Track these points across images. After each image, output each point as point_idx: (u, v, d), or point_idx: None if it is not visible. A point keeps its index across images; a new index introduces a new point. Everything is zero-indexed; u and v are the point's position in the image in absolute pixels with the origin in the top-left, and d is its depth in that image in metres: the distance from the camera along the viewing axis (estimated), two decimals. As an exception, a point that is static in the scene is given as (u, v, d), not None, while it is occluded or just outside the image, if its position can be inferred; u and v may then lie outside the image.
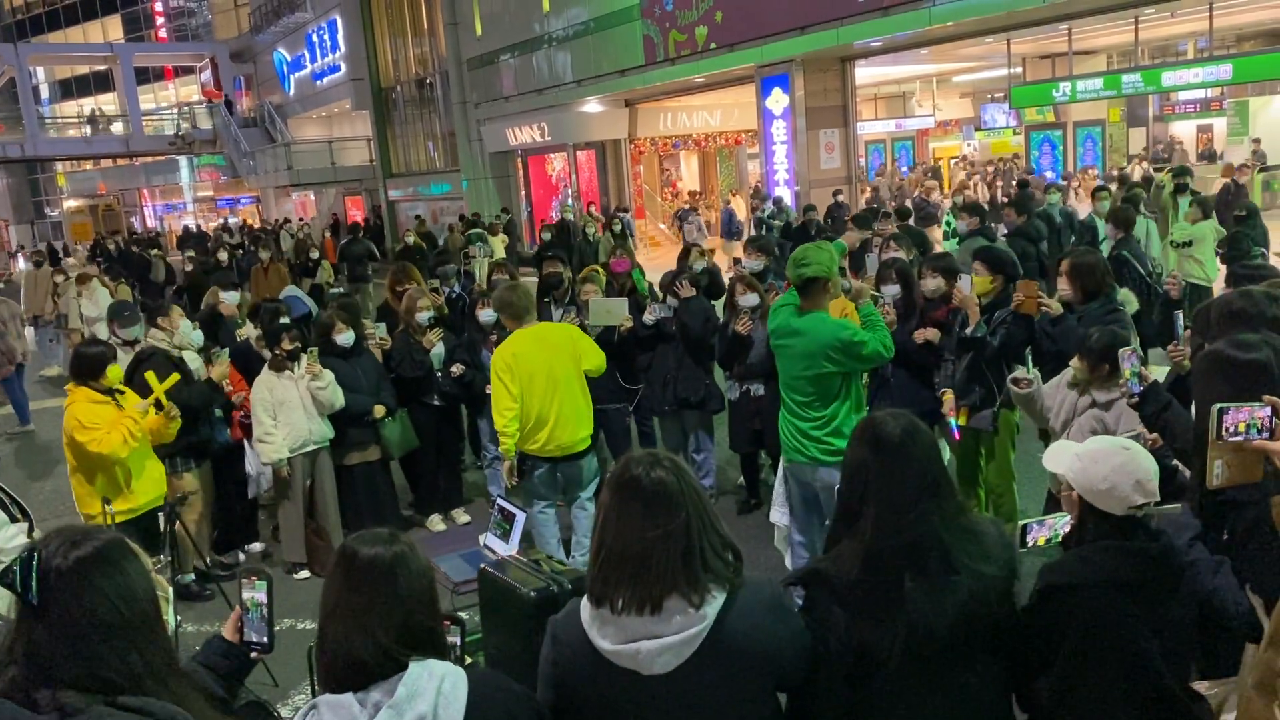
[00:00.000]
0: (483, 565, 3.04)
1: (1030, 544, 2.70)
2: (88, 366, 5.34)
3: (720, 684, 2.07)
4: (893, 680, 2.21)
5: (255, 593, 2.27)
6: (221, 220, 40.53)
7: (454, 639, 2.22)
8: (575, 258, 14.56)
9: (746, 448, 6.72)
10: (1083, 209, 13.01)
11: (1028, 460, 5.94)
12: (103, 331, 11.02)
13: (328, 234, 26.44)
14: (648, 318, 6.61)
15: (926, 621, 2.17)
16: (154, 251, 21.89)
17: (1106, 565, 2.30)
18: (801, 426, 4.72)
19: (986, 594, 2.24)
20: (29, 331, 13.69)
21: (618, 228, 16.08)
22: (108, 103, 41.88)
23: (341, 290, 14.85)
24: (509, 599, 2.82)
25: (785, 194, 17.65)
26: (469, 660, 2.38)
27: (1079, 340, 4.26)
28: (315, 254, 15.23)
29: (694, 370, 6.66)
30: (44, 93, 46.95)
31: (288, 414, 6.11)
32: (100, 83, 43.72)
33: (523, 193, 26.80)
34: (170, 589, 2.63)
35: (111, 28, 45.81)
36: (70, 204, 49.38)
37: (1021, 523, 2.73)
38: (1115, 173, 18.24)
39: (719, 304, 7.16)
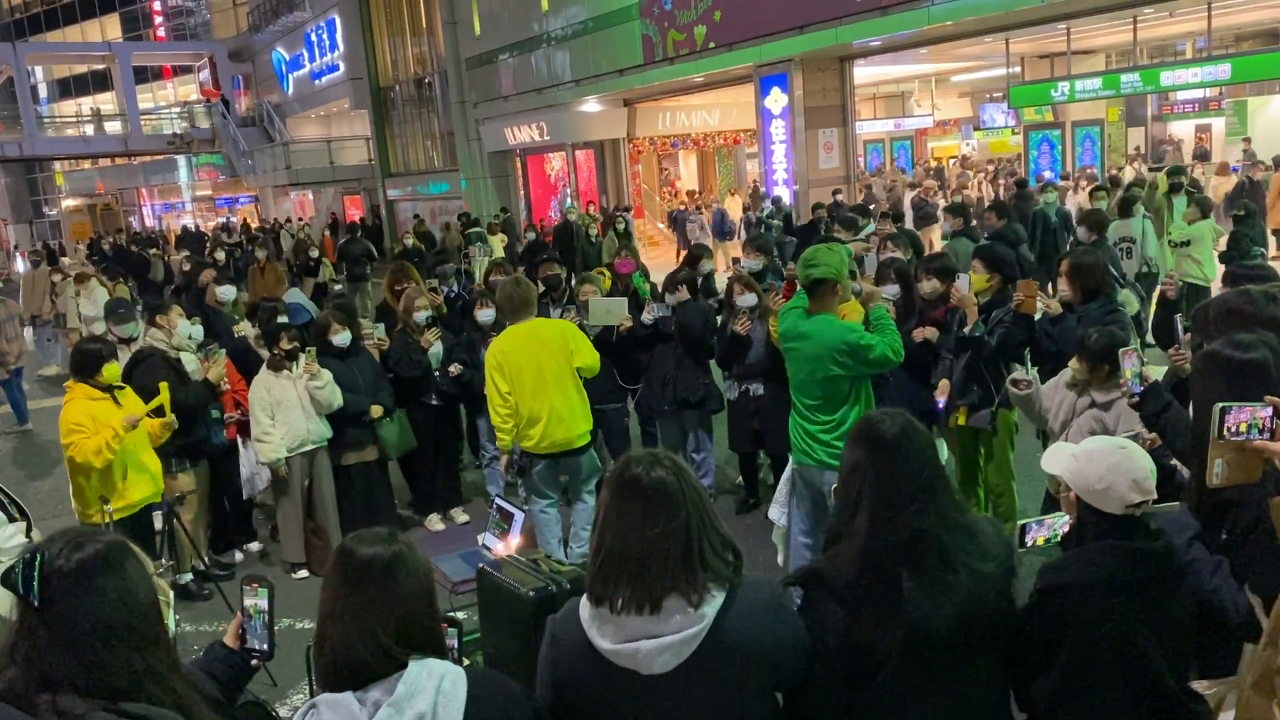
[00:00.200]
0: (481, 565, 3.03)
1: (1029, 544, 2.71)
2: (86, 363, 5.37)
3: (719, 684, 2.07)
4: (892, 680, 2.21)
5: (257, 600, 2.28)
6: (222, 220, 40.48)
7: (451, 641, 2.22)
8: (578, 259, 14.56)
9: (745, 447, 6.72)
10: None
11: (1027, 460, 5.94)
12: (102, 330, 11.05)
13: (327, 233, 26.41)
14: (646, 317, 6.61)
15: (925, 621, 2.17)
16: (152, 251, 21.91)
17: (1106, 565, 2.30)
18: (810, 429, 4.69)
19: (985, 592, 2.24)
20: (27, 331, 13.67)
21: (621, 227, 16.05)
22: (106, 102, 41.82)
23: (341, 290, 14.87)
24: (507, 599, 2.82)
25: (784, 193, 17.65)
26: (467, 661, 2.38)
27: (1079, 340, 4.26)
28: (315, 253, 15.22)
29: (693, 370, 6.66)
30: (42, 92, 46.87)
31: (286, 413, 6.10)
32: (98, 82, 43.66)
33: (521, 192, 26.79)
34: (171, 593, 2.63)
35: (110, 27, 45.75)
36: (68, 203, 49.31)
37: (1021, 522, 2.73)
38: (1113, 172, 18.25)
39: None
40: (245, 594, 2.31)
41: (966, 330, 5.24)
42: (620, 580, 2.04)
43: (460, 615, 2.41)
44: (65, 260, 16.55)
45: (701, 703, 2.07)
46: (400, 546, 2.00)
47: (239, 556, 6.80)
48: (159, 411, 5.54)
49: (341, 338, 6.40)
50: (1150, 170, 18.70)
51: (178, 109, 41.40)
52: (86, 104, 43.62)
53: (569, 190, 24.80)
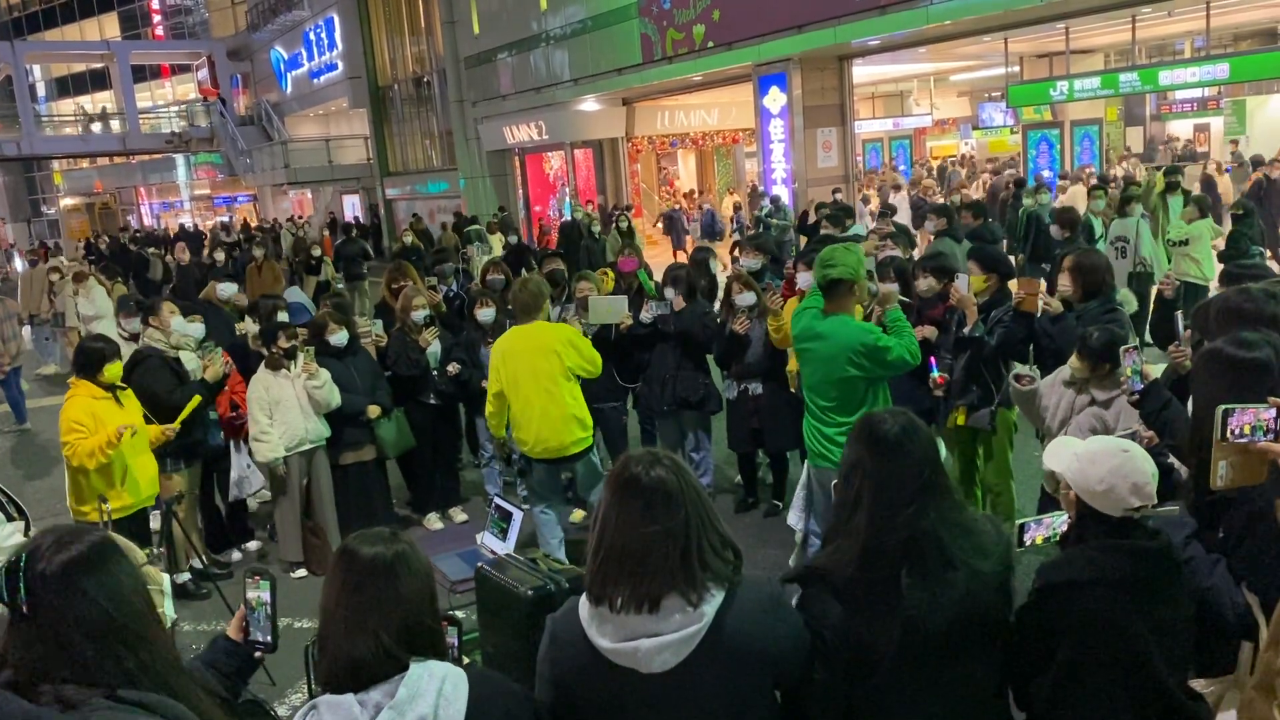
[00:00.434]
0: (480, 564, 3.03)
1: (1028, 542, 2.71)
2: (89, 361, 5.41)
3: (719, 682, 2.07)
4: (890, 677, 2.21)
5: (259, 592, 2.28)
6: (223, 219, 40.44)
7: (451, 639, 2.22)
8: (582, 257, 14.57)
9: (744, 447, 6.71)
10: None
11: (1025, 459, 5.95)
12: (100, 329, 11.04)
13: (325, 232, 26.39)
14: (644, 316, 6.60)
15: (924, 618, 2.17)
16: (151, 250, 21.88)
17: (1104, 564, 2.30)
18: (826, 431, 4.66)
19: (984, 591, 2.24)
20: (25, 330, 13.66)
21: (625, 226, 16.06)
22: (104, 101, 41.78)
23: (342, 289, 14.88)
24: (506, 598, 2.82)
25: (783, 193, 17.65)
26: (466, 660, 2.38)
27: (1079, 339, 4.25)
28: (318, 252, 15.22)
29: (693, 371, 6.64)
30: (41, 91, 46.81)
31: (284, 413, 6.10)
32: (97, 80, 43.61)
33: (520, 191, 26.78)
34: (165, 579, 2.63)
35: (108, 25, 45.68)
36: (67, 202, 49.24)
37: (1019, 521, 2.73)
38: (1101, 171, 18.27)
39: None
40: (248, 586, 2.32)
41: (966, 330, 5.23)
42: (620, 579, 2.04)
43: (459, 615, 2.41)
44: (58, 259, 16.49)
45: (701, 701, 2.07)
46: (402, 546, 2.00)
47: (237, 556, 6.79)
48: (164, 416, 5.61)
49: (338, 337, 6.40)
50: (1148, 170, 18.70)
51: (176, 108, 41.37)
52: (85, 103, 43.57)
53: (568, 189, 24.79)
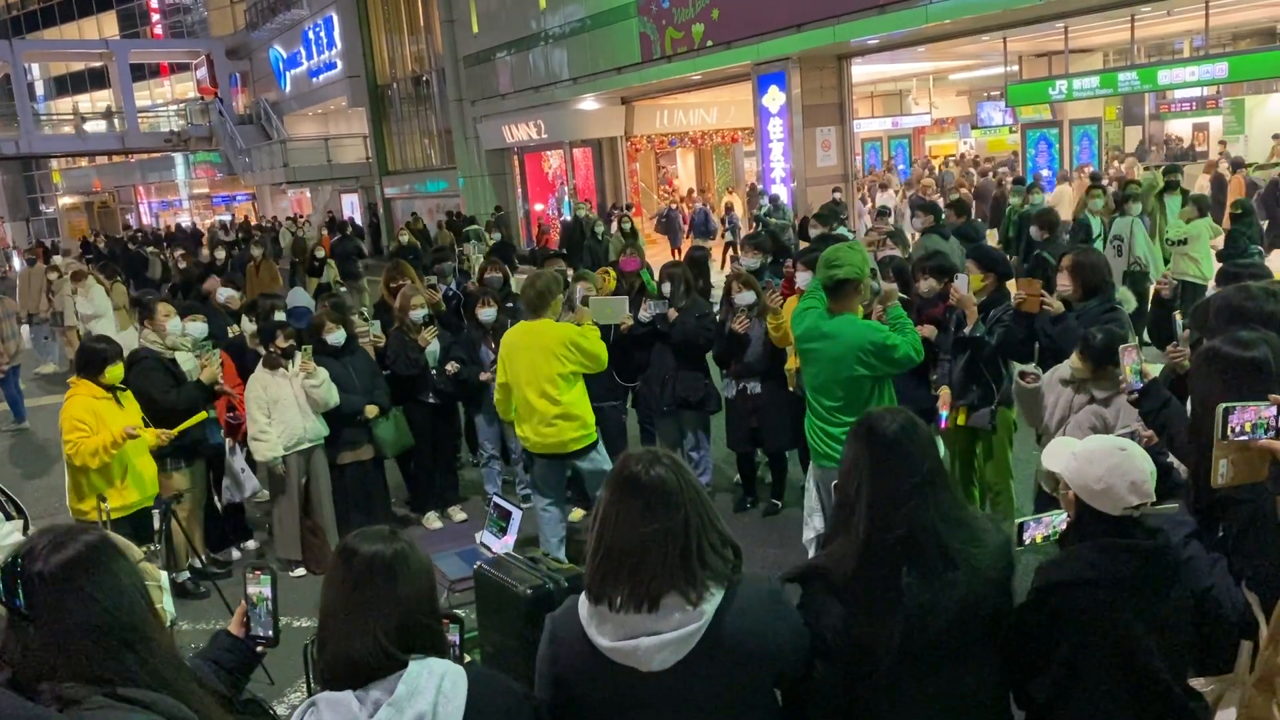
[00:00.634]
0: (479, 563, 3.03)
1: (1027, 541, 2.71)
2: (91, 362, 5.42)
3: (719, 681, 2.07)
4: (891, 676, 2.21)
5: (260, 587, 2.28)
6: (222, 217, 40.41)
7: (453, 637, 2.22)
8: (586, 258, 14.58)
9: (743, 446, 6.71)
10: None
11: (1025, 458, 5.95)
12: (99, 328, 11.04)
13: (324, 231, 26.39)
14: (643, 315, 6.59)
15: (924, 617, 2.18)
16: (150, 249, 21.88)
17: (1103, 563, 2.31)
18: (832, 431, 4.63)
19: (984, 589, 2.24)
20: (24, 329, 13.66)
21: (628, 225, 16.09)
22: (103, 99, 41.76)
23: (344, 289, 14.86)
24: (505, 597, 2.82)
25: (782, 192, 17.65)
26: (467, 658, 2.38)
27: (1082, 339, 4.25)
28: (321, 253, 15.20)
29: (692, 370, 6.64)
30: (39, 89, 46.76)
31: (282, 412, 6.10)
32: (96, 79, 43.57)
33: (519, 190, 26.77)
34: (163, 576, 2.63)
35: (107, 24, 45.63)
36: (65, 201, 49.20)
37: (1019, 520, 2.73)
38: (1109, 171, 18.28)
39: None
40: (248, 582, 2.32)
41: (966, 330, 5.23)
42: (619, 578, 2.04)
43: (460, 613, 2.41)
44: (56, 259, 16.49)
45: (701, 700, 2.07)
46: (402, 545, 2.00)
47: (236, 554, 6.79)
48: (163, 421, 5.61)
49: (336, 336, 6.39)
50: (1144, 169, 18.70)
51: (175, 107, 41.35)
52: (84, 101, 43.54)
53: (567, 188, 24.79)
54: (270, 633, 2.29)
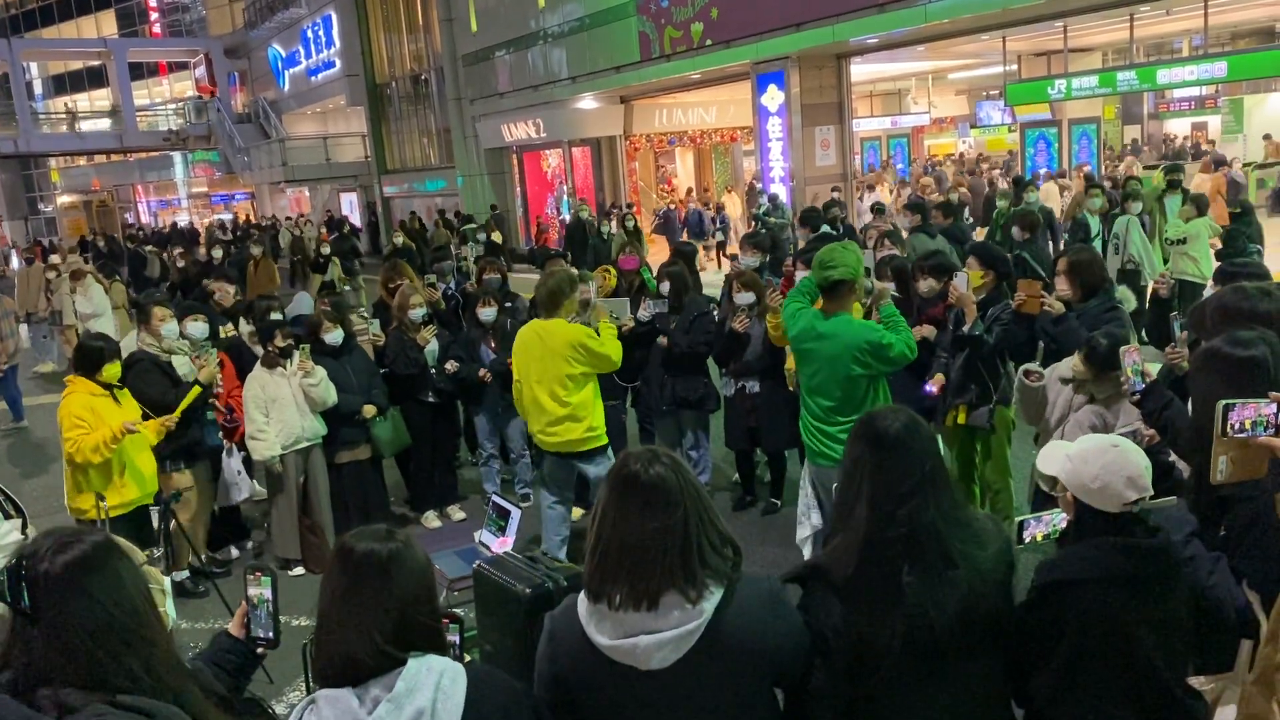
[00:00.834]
0: (478, 562, 3.03)
1: (1027, 540, 2.71)
2: (88, 360, 5.41)
3: (718, 680, 2.07)
4: (892, 676, 2.21)
5: (261, 589, 2.28)
6: (221, 216, 40.37)
7: (452, 637, 2.22)
8: (590, 257, 14.59)
9: (741, 445, 6.71)
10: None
11: (1024, 457, 5.95)
12: (98, 327, 11.02)
13: (323, 230, 26.38)
14: (643, 314, 6.58)
15: (926, 616, 2.17)
16: (149, 248, 21.86)
17: (1103, 561, 2.30)
18: (828, 430, 4.66)
19: (985, 588, 2.24)
20: (22, 328, 13.65)
21: (631, 224, 16.12)
22: (101, 98, 41.73)
23: (348, 288, 14.89)
24: (504, 596, 2.81)
25: (781, 191, 17.65)
26: (467, 657, 2.38)
27: (1085, 343, 4.24)
28: (327, 250, 15.20)
29: (691, 370, 6.63)
30: (37, 88, 46.72)
31: (280, 411, 6.09)
32: (94, 78, 43.54)
33: (518, 189, 26.76)
34: (166, 580, 2.63)
35: (105, 23, 45.59)
36: (64, 200, 49.16)
37: (1019, 519, 2.73)
38: (1108, 171, 18.29)
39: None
40: (249, 583, 2.31)
41: (965, 329, 5.23)
42: (618, 576, 2.04)
43: (460, 612, 2.40)
44: (54, 257, 16.49)
45: (700, 698, 2.07)
46: (399, 544, 1.99)
47: (235, 553, 6.78)
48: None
49: (333, 336, 6.39)
50: (1147, 169, 18.71)
51: (173, 105, 41.32)
52: (82, 100, 43.49)
53: (566, 188, 24.79)
54: (271, 634, 2.30)
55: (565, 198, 24.29)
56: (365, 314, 8.18)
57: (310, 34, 31.62)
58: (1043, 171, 18.64)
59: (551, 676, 2.16)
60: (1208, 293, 5.19)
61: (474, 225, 18.02)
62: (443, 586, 4.34)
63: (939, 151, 29.24)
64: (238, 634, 2.32)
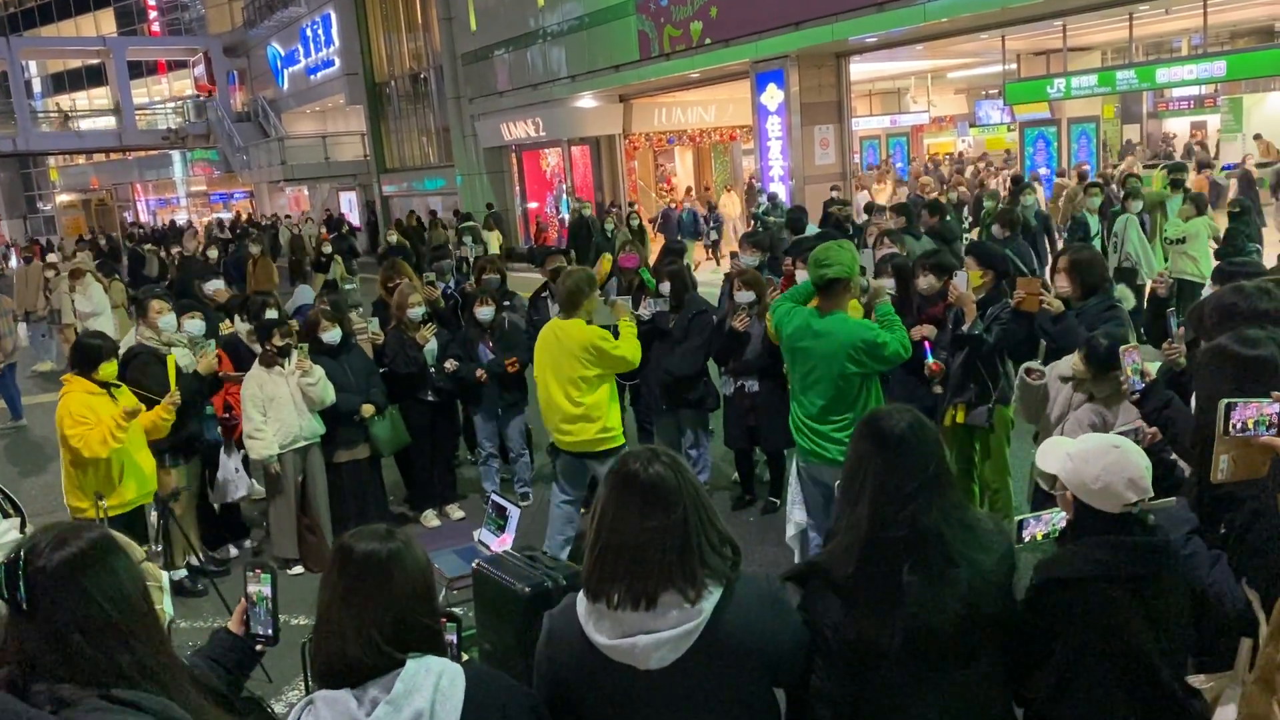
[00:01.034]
0: (477, 561, 3.03)
1: (1027, 539, 2.71)
2: (86, 358, 5.39)
3: (717, 679, 2.06)
4: (893, 676, 2.20)
5: (261, 586, 2.28)
6: (220, 215, 40.35)
7: (451, 636, 2.22)
8: (593, 256, 14.60)
9: (741, 444, 6.71)
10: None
11: (1023, 456, 5.95)
12: (98, 325, 11.02)
13: (323, 229, 26.36)
14: (643, 312, 6.57)
15: (927, 615, 2.17)
16: (147, 246, 21.85)
17: (1102, 559, 2.30)
18: (821, 429, 4.65)
19: (986, 587, 2.23)
20: (21, 327, 13.64)
21: (635, 223, 16.12)
22: (100, 97, 41.70)
23: (352, 286, 14.91)
24: (503, 595, 2.81)
25: (780, 190, 17.65)
26: (465, 657, 2.38)
27: (1086, 344, 4.24)
28: (328, 249, 15.19)
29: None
30: (36, 87, 46.69)
31: (278, 410, 6.09)
32: (93, 77, 43.53)
33: (517, 188, 26.75)
34: (164, 576, 2.63)
35: (104, 21, 45.56)
36: (63, 198, 49.15)
37: (1018, 518, 2.73)
38: (1106, 170, 18.27)
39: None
40: (248, 580, 2.31)
41: (965, 328, 5.23)
42: (617, 575, 2.04)
43: (458, 612, 2.40)
44: (52, 256, 16.48)
45: (699, 698, 2.07)
46: (398, 544, 1.99)
47: (233, 552, 6.78)
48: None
49: (332, 335, 6.38)
50: (1147, 168, 18.71)
51: (172, 104, 41.30)
52: (81, 99, 43.46)
53: (565, 186, 24.78)
54: (270, 631, 2.30)
55: (564, 197, 24.28)
56: (363, 312, 8.19)
57: (309, 33, 31.61)
58: (1043, 171, 18.63)
59: (550, 676, 2.16)
60: (1206, 292, 5.19)
61: (472, 224, 18.03)
62: (442, 585, 4.34)
63: (938, 150, 29.22)
64: (237, 631, 2.32)
